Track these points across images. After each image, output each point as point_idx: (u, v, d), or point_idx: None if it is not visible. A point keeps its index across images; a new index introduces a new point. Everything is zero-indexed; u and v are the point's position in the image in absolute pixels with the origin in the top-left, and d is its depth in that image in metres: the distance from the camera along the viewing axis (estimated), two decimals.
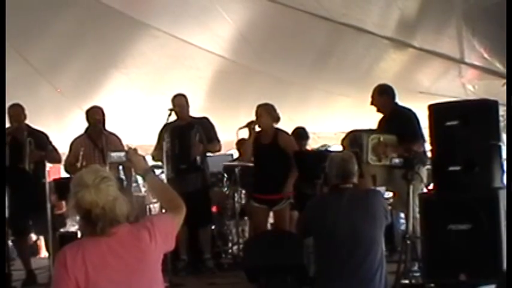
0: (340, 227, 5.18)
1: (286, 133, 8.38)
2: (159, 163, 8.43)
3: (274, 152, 8.11)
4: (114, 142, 8.33)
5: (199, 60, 10.73)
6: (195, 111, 9.10)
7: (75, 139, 8.67)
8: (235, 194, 9.73)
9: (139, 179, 9.58)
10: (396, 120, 7.62)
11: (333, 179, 5.44)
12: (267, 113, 8.13)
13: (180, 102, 8.57)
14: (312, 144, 11.05)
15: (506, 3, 5.86)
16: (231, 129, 8.64)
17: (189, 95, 8.70)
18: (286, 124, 8.61)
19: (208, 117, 8.79)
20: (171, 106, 8.41)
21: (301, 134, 9.47)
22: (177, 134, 8.45)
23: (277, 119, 8.18)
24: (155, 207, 10.18)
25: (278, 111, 8.29)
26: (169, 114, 8.31)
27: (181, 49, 10.35)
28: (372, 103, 7.91)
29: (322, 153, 7.57)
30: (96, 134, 8.48)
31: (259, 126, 8.09)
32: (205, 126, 8.56)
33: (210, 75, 11.16)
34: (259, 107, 8.17)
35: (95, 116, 8.59)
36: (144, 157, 3.65)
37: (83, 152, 8.40)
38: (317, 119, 11.76)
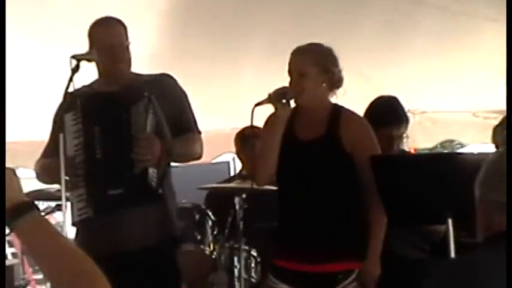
0: None
1: (356, 115, 4.32)
2: (48, 186, 4.90)
3: (329, 158, 4.19)
4: None
5: None
6: (145, 65, 5.00)
7: None
8: (236, 260, 5.61)
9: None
10: None
11: (490, 217, 2.68)
12: (315, 65, 4.15)
13: (108, 36, 4.30)
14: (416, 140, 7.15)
15: (506, 3, 5.33)
16: (226, 106, 6.26)
17: (135, 28, 4.57)
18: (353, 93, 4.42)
19: (175, 77, 4.46)
20: (82, 52, 4.21)
21: (387, 111, 4.91)
22: (98, 114, 4.27)
23: (337, 81, 4.21)
24: None
25: (340, 63, 4.27)
26: (76, 68, 4.10)
27: None
28: None
29: (448, 159, 4.10)
30: None
31: (295, 100, 4.20)
32: (167, 98, 4.33)
33: None
34: (297, 52, 4.21)
35: None
36: (13, 171, 2.10)
37: None
38: (420, 82, 7.31)
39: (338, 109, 4.19)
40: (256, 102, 4.08)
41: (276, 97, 4.08)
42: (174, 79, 4.37)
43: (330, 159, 4.13)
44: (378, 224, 4.13)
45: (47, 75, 6.18)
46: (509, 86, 5.66)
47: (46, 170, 4.25)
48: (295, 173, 4.18)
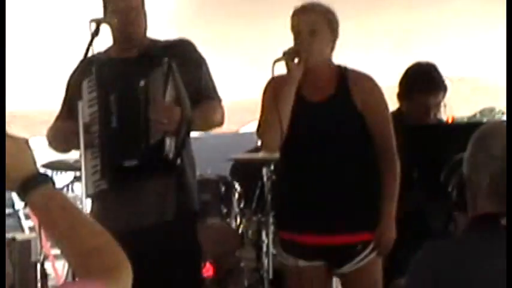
0: None
1: (363, 74, 4.30)
2: (68, 156, 5.01)
3: (341, 117, 4.20)
4: None
5: None
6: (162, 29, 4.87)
7: None
8: (264, 235, 5.66)
9: (15, 197, 6.12)
10: None
11: (483, 197, 2.72)
12: (325, 23, 4.15)
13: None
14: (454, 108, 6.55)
15: (506, 3, 5.17)
16: (254, 74, 5.28)
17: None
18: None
19: (193, 42, 4.37)
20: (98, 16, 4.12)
21: (424, 79, 4.78)
22: (114, 81, 4.17)
23: (335, 43, 4.24)
24: (56, 267, 7.12)
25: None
26: (96, 32, 4.00)
27: None
28: None
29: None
30: None
31: (299, 59, 4.13)
32: (185, 64, 4.19)
33: None
34: (304, 10, 4.18)
35: None
36: (26, 142, 2.07)
37: None
38: (459, 47, 7.23)
39: (344, 69, 4.19)
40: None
41: (289, 55, 4.03)
42: (193, 44, 4.26)
43: (342, 118, 4.11)
44: (391, 185, 4.11)
45: (65, 41, 6.17)
46: (509, 91, 5.68)
47: (59, 133, 4.18)
48: (306, 136, 4.13)
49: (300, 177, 4.24)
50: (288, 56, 4.04)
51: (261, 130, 4.34)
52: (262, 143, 4.53)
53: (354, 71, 4.24)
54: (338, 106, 4.17)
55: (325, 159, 4.13)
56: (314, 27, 4.07)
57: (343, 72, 4.22)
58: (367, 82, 4.22)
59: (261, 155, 5.68)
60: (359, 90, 4.17)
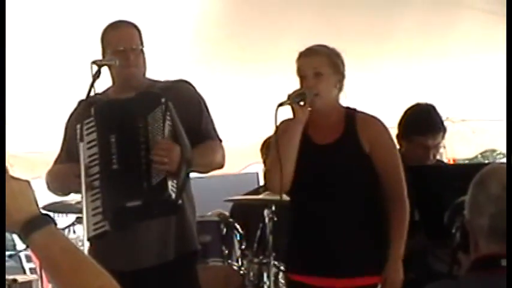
0: None
1: (371, 116, 4.32)
2: (67, 198, 4.86)
3: (349, 160, 4.20)
4: None
5: None
6: (165, 71, 4.87)
7: None
8: (266, 276, 5.58)
9: (17, 239, 6.44)
10: None
11: (484, 238, 2.64)
12: (330, 65, 4.17)
13: (121, 40, 4.20)
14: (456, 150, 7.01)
15: (506, 3, 5.42)
16: (252, 113, 6.27)
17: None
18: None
19: (193, 83, 4.38)
20: (100, 58, 4.19)
21: (423, 119, 4.79)
22: (114, 123, 4.15)
23: (343, 84, 4.26)
24: None
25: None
26: (97, 74, 4.02)
27: None
28: None
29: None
30: None
31: (310, 102, 4.15)
32: (184, 104, 4.20)
33: None
34: (310, 53, 4.22)
35: None
36: (28, 184, 2.07)
37: None
38: (459, 89, 7.14)
39: (352, 111, 4.20)
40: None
41: (294, 99, 4.03)
42: (191, 85, 4.26)
43: (350, 161, 4.13)
44: (401, 225, 4.10)
45: (66, 83, 6.15)
46: (509, 89, 5.69)
47: (57, 176, 4.16)
48: (314, 179, 4.13)
49: (308, 220, 4.23)
50: (292, 99, 4.04)
51: (265, 172, 4.35)
52: (266, 184, 4.56)
53: (362, 113, 4.25)
54: (345, 149, 4.17)
55: (333, 202, 4.15)
56: (318, 69, 4.09)
57: (351, 114, 4.21)
58: (375, 125, 4.23)
59: (261, 196, 5.66)
60: (367, 132, 4.17)
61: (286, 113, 4.07)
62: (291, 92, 4.05)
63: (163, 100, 3.96)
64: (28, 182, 2.11)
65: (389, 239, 4.11)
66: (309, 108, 4.09)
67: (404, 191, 4.12)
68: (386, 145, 4.22)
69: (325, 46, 4.21)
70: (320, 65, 4.09)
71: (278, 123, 4.10)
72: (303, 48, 4.20)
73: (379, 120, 4.25)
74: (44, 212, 2.11)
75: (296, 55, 4.17)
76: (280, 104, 4.02)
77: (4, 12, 4.70)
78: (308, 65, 4.10)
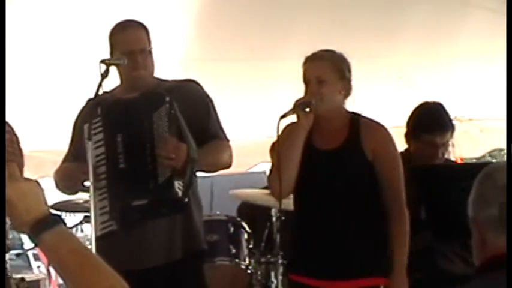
0: None
1: (375, 123, 4.27)
2: (74, 197, 4.90)
3: (351, 167, 4.17)
4: None
5: None
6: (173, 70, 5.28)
7: None
8: (273, 276, 5.59)
9: (24, 238, 6.79)
10: None
11: (484, 237, 2.51)
12: (334, 71, 4.12)
13: (130, 41, 4.16)
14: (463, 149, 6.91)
15: (506, 3, 5.56)
16: (259, 112, 6.26)
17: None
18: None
19: (200, 83, 4.36)
20: (107, 57, 4.15)
21: (432, 118, 4.76)
22: (120, 122, 4.13)
23: (350, 89, 4.19)
24: None
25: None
26: (105, 74, 3.97)
27: None
28: None
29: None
30: None
31: (314, 108, 4.12)
32: (191, 104, 4.19)
33: None
34: (313, 58, 4.16)
35: None
36: (37, 183, 2.07)
37: None
38: (467, 88, 7.16)
39: (357, 117, 4.15)
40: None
41: (299, 106, 4.01)
42: (199, 84, 4.24)
43: (352, 168, 4.10)
44: (401, 236, 4.08)
45: (74, 81, 6.17)
46: (509, 88, 5.69)
47: (65, 174, 4.16)
48: (316, 184, 4.12)
49: (311, 223, 4.22)
50: (297, 108, 4.02)
51: (267, 178, 4.36)
52: (269, 189, 4.54)
53: (366, 119, 4.21)
54: (347, 154, 4.14)
55: (335, 207, 4.13)
56: (321, 76, 4.06)
57: (355, 120, 4.17)
58: (378, 131, 4.18)
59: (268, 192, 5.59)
60: (370, 139, 4.13)
61: (291, 118, 4.07)
62: (296, 100, 4.04)
63: (167, 99, 3.94)
64: (37, 181, 2.11)
65: (390, 243, 4.10)
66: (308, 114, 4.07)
67: (404, 203, 4.11)
68: (388, 156, 4.18)
69: (330, 51, 4.17)
70: (323, 72, 4.06)
71: (284, 127, 4.09)
72: (311, 48, 4.17)
73: (383, 127, 4.22)
74: (51, 211, 2.12)
75: (304, 54, 4.15)
76: (283, 116, 4.03)
77: (4, 12, 4.69)
78: (311, 71, 4.08)
